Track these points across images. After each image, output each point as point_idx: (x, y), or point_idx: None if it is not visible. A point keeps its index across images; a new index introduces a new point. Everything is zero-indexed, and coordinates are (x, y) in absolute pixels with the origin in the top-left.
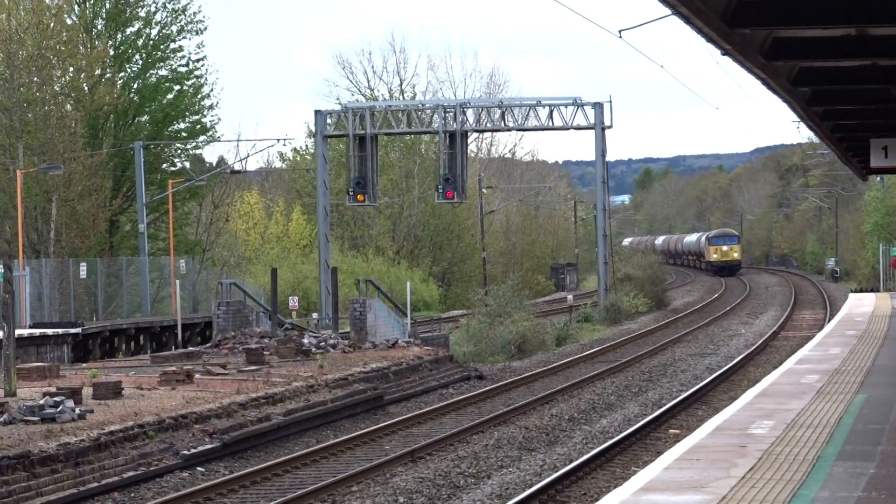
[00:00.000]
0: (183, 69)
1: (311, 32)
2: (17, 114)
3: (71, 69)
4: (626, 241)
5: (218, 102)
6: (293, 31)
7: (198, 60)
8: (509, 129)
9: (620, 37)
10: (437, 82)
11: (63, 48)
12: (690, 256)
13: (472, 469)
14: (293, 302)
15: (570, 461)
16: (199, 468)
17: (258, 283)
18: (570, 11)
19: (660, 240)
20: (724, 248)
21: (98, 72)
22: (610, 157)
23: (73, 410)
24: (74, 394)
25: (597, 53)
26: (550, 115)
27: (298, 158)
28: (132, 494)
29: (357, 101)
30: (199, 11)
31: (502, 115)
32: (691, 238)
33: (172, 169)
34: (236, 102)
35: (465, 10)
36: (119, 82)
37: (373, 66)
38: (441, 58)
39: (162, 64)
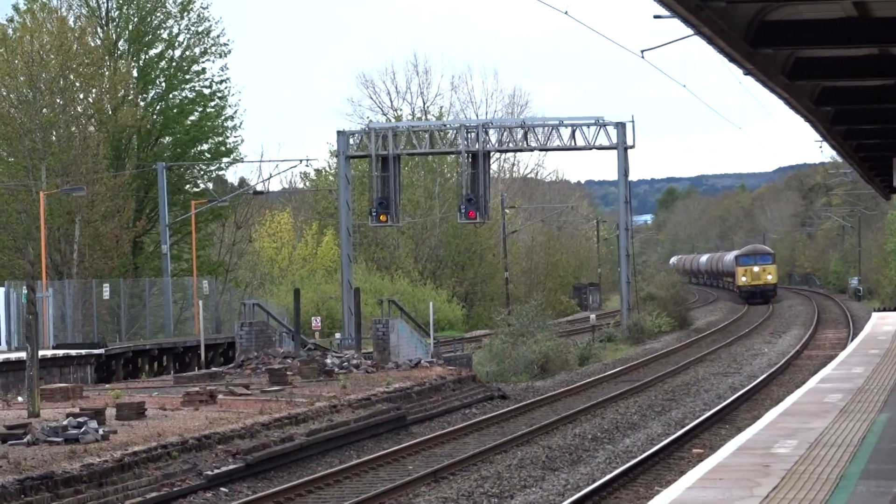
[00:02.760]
0: (206, 91)
1: (334, 53)
2: (39, 135)
3: (94, 91)
4: (674, 260)
5: (241, 123)
6: (317, 52)
7: (221, 82)
8: (532, 150)
9: (643, 57)
10: (459, 103)
11: (86, 70)
12: (727, 278)
13: (495, 489)
14: (316, 322)
15: (594, 481)
16: (222, 488)
17: (281, 304)
18: (592, 32)
19: (703, 258)
20: (756, 268)
21: (121, 93)
22: (632, 177)
23: (97, 431)
24: (98, 414)
25: (619, 73)
26: (573, 135)
27: (321, 179)
28: None
29: (380, 121)
30: (223, 34)
31: (525, 136)
32: (729, 257)
33: (195, 190)
34: (259, 123)
35: (486, 29)
36: (142, 104)
37: (396, 87)
38: (462, 78)
39: (185, 86)
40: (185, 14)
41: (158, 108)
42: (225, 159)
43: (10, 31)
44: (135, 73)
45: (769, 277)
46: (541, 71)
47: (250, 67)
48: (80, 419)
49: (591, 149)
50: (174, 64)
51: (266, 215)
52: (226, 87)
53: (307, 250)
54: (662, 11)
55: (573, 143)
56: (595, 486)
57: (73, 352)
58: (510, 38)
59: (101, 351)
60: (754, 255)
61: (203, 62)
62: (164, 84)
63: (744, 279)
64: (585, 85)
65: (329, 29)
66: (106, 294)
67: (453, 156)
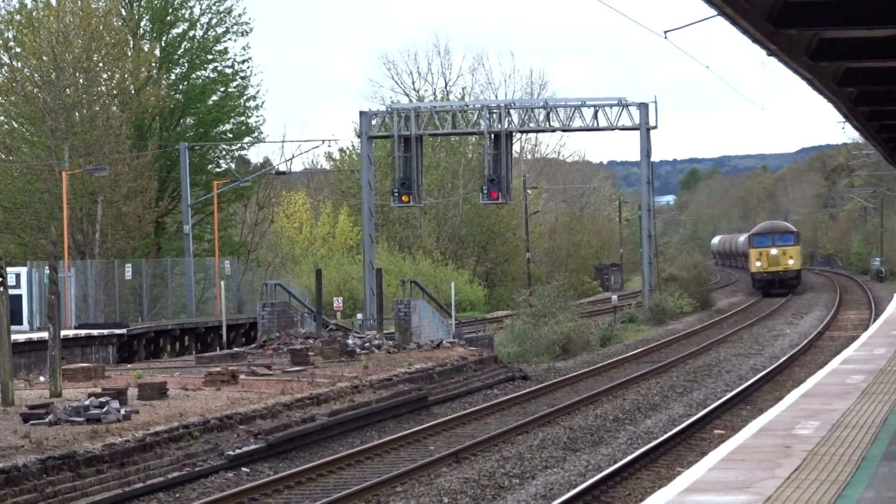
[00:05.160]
0: (228, 71)
1: (353, 32)
2: (63, 115)
3: (117, 71)
4: (716, 240)
5: (263, 103)
6: (339, 33)
7: (243, 62)
8: (553, 130)
9: (666, 37)
10: (479, 85)
11: (110, 50)
12: None
13: (516, 469)
14: (338, 303)
15: (615, 461)
16: (243, 468)
17: (303, 284)
18: (615, 12)
19: (741, 238)
20: (773, 251)
21: (144, 74)
22: (655, 158)
23: (119, 411)
24: (120, 394)
25: (641, 54)
26: (595, 116)
27: (345, 158)
28: (177, 495)
29: (400, 101)
30: (245, 13)
31: (547, 116)
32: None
33: (218, 170)
34: (282, 103)
35: (506, 10)
36: (165, 84)
37: (418, 68)
38: (479, 59)
39: (207, 66)
40: None
41: (181, 88)
42: (247, 139)
43: (34, 11)
44: (157, 54)
45: (790, 262)
46: (561, 51)
47: (270, 48)
48: (102, 399)
49: (613, 129)
50: (196, 44)
51: (283, 196)
52: (248, 67)
53: (325, 230)
54: None
55: (595, 124)
56: (617, 467)
57: (95, 332)
58: (530, 18)
59: (123, 331)
60: (772, 233)
61: (225, 41)
62: (186, 64)
63: (758, 264)
64: (607, 65)
65: (354, 7)
66: (128, 274)
67: (475, 136)
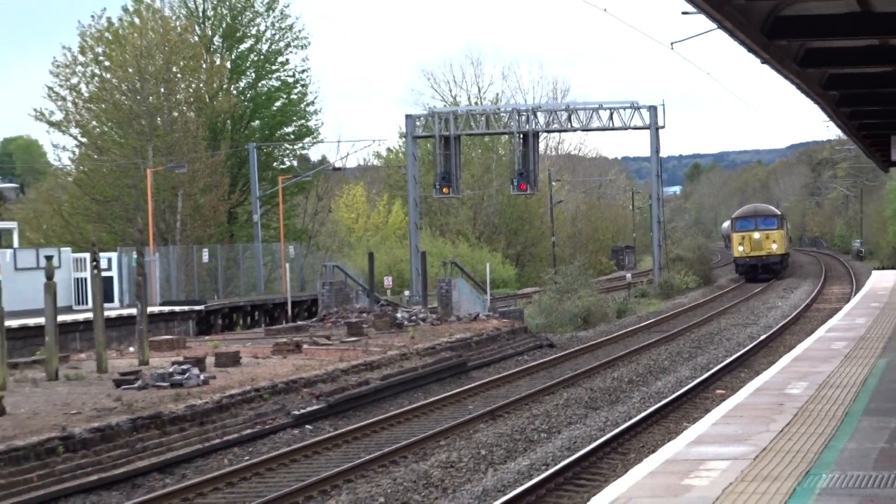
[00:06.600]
0: (290, 80)
1: (399, 46)
2: (147, 120)
3: (193, 81)
4: (726, 224)
5: (321, 108)
6: (384, 45)
7: (303, 72)
8: (575, 130)
9: (672, 48)
10: (510, 90)
11: (187, 63)
12: None
13: (544, 425)
14: (388, 281)
15: (630, 418)
16: (307, 426)
17: (357, 266)
18: (628, 27)
19: None
20: (756, 234)
21: (217, 83)
22: (663, 154)
23: (198, 377)
24: (199, 362)
25: (651, 62)
26: (611, 117)
27: (392, 156)
28: (250, 449)
29: (439, 106)
30: (304, 29)
31: (569, 118)
32: None
33: (282, 167)
34: (337, 107)
35: (530, 25)
36: (235, 92)
37: (454, 77)
38: (510, 68)
39: (272, 75)
40: (270, 12)
41: (249, 95)
42: (307, 139)
43: (120, 29)
44: (228, 65)
45: (774, 246)
46: (581, 61)
47: (327, 58)
48: (184, 366)
49: (626, 129)
50: (262, 56)
51: (343, 189)
52: (307, 76)
53: (379, 219)
54: (689, 8)
55: (611, 124)
56: (631, 423)
57: (177, 308)
58: (553, 33)
59: (202, 307)
60: (754, 216)
61: (287, 54)
62: (253, 74)
63: (741, 248)
64: (621, 73)
65: (390, 23)
66: (205, 258)
67: (506, 135)
